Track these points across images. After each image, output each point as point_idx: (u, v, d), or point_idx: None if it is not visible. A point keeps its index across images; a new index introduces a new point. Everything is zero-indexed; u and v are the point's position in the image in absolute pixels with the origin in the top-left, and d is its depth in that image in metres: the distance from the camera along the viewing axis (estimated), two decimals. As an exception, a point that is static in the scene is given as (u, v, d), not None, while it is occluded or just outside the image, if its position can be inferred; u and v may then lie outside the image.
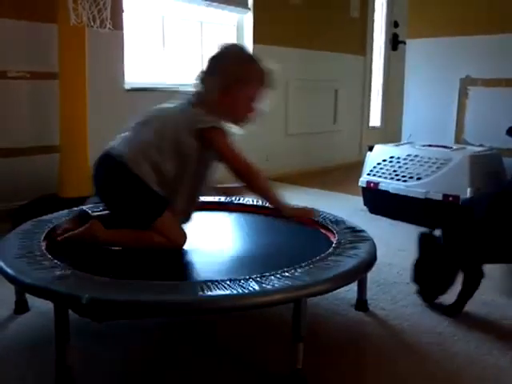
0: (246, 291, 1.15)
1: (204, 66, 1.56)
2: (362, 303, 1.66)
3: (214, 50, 1.57)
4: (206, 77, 1.54)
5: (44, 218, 1.71)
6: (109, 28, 2.37)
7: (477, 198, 1.77)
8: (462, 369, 1.35)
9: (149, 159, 1.44)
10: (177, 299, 1.13)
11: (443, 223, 1.70)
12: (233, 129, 1.55)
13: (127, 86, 2.97)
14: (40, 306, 1.53)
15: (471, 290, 1.62)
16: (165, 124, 1.51)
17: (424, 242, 1.70)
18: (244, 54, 1.59)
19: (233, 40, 3.66)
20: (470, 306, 1.70)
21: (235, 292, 1.15)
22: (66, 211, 1.81)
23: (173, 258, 1.53)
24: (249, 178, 1.48)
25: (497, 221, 1.56)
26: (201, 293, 1.13)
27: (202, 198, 1.68)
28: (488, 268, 1.65)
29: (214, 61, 1.55)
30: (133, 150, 1.46)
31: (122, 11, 2.87)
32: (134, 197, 1.45)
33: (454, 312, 1.63)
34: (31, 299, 1.55)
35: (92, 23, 2.33)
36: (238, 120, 1.55)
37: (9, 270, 1.25)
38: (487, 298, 1.79)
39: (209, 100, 1.51)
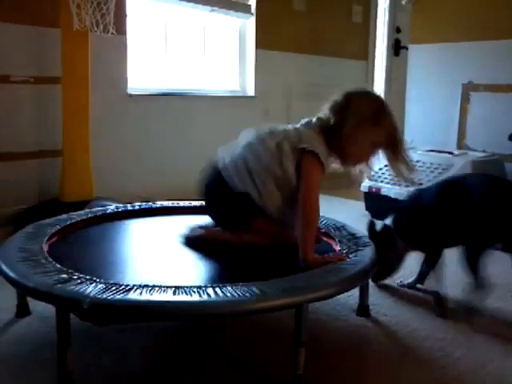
0: (248, 296, 1.15)
1: (339, 98, 1.55)
2: (363, 308, 1.65)
3: (359, 91, 1.61)
4: (339, 108, 1.53)
5: (46, 221, 1.71)
6: (112, 33, 2.38)
7: (426, 188, 1.86)
8: (464, 375, 1.34)
9: (250, 177, 1.51)
10: (179, 304, 1.13)
11: (394, 210, 1.84)
12: (334, 165, 1.56)
13: (130, 91, 2.98)
14: (41, 310, 1.53)
15: (428, 266, 1.81)
16: (274, 136, 1.53)
17: (370, 228, 1.81)
18: (385, 103, 1.59)
19: (235, 45, 3.67)
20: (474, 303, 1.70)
21: (237, 297, 1.15)
22: (67, 215, 1.81)
23: (176, 262, 1.53)
24: (304, 216, 1.44)
25: (445, 208, 1.67)
26: (202, 297, 1.13)
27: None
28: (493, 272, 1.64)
29: (353, 96, 1.56)
30: (235, 168, 1.53)
31: (125, 16, 2.88)
32: (235, 206, 1.54)
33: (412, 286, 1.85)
34: (32, 303, 1.55)
35: (95, 28, 2.34)
36: (351, 161, 1.57)
37: (11, 274, 1.26)
38: (489, 304, 1.78)
39: (333, 131, 1.51)
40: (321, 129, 1.53)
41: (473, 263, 1.61)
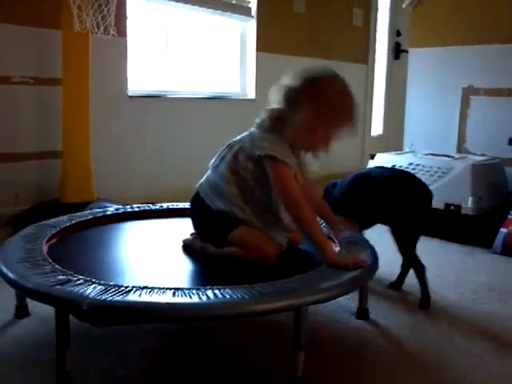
0: (247, 298, 1.15)
1: (293, 84, 1.45)
2: (363, 311, 1.65)
3: (307, 72, 1.46)
4: (292, 103, 1.44)
5: (46, 222, 1.71)
6: (112, 34, 2.38)
7: (337, 183, 2.00)
8: (463, 378, 1.34)
9: (218, 191, 1.53)
10: (178, 305, 1.13)
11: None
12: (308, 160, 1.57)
13: (130, 93, 2.98)
14: (40, 311, 1.53)
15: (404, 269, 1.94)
16: (231, 150, 1.53)
17: None
18: (338, 84, 1.50)
19: (236, 47, 3.68)
20: (470, 317, 1.70)
21: (236, 299, 1.15)
22: (67, 216, 1.81)
23: (175, 264, 1.53)
24: (295, 213, 1.43)
25: (351, 199, 1.87)
26: (201, 299, 1.13)
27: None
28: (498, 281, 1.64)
29: (306, 86, 1.44)
30: (208, 188, 1.56)
31: (126, 18, 2.88)
32: (210, 223, 1.55)
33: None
34: (32, 304, 1.55)
35: (96, 29, 2.34)
36: (312, 149, 1.53)
37: (10, 275, 1.26)
38: (487, 308, 1.79)
39: (287, 127, 1.45)
40: (272, 123, 1.46)
41: (402, 247, 1.80)
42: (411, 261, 1.82)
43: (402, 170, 2.17)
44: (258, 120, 1.52)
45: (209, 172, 1.60)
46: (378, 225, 1.90)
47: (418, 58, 3.59)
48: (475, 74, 3.30)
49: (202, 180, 1.61)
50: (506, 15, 3.15)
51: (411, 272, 1.88)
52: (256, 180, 1.48)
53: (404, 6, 3.58)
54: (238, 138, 1.55)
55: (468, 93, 3.31)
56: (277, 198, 1.49)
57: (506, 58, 3.18)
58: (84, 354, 1.35)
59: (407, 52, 3.93)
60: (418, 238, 1.80)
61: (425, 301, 1.78)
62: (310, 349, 1.22)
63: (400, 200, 1.76)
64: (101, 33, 2.35)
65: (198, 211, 1.59)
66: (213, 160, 1.60)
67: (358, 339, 1.54)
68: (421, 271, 1.79)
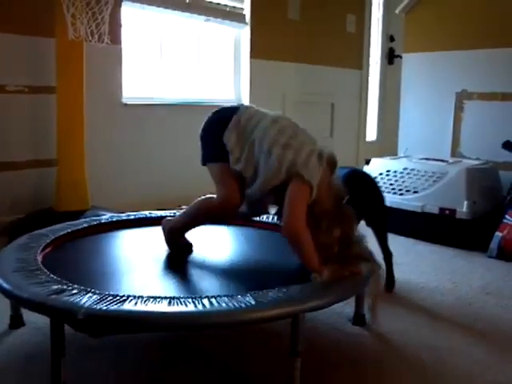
0: (243, 306, 1.15)
1: None
2: (359, 317, 1.65)
3: None
4: None
5: (40, 231, 1.70)
6: (107, 42, 2.38)
7: None
8: (461, 383, 1.34)
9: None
10: (173, 314, 1.12)
11: None
12: None
13: (125, 101, 2.98)
14: (35, 321, 1.52)
15: None
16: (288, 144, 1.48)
17: None
18: None
19: (230, 54, 3.68)
20: (467, 321, 1.71)
21: (232, 307, 1.14)
22: (62, 225, 1.81)
23: (171, 273, 1.53)
24: (294, 241, 1.39)
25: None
26: (197, 308, 1.13)
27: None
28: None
29: None
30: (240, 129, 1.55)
31: (120, 26, 2.88)
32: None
33: None
34: (26, 314, 1.54)
35: (90, 38, 2.34)
36: None
37: (5, 285, 1.25)
38: (484, 312, 1.79)
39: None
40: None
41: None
42: (383, 249, 1.95)
43: (357, 170, 2.20)
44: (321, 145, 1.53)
45: (256, 115, 1.57)
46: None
47: (412, 63, 3.61)
48: (469, 79, 3.31)
49: (244, 112, 1.58)
50: (498, 20, 3.17)
51: (406, 277, 1.89)
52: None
53: (397, 11, 3.60)
54: (300, 138, 1.50)
55: (462, 97, 3.33)
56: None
57: (498, 62, 3.19)
58: (79, 363, 1.34)
59: (401, 57, 3.95)
60: (381, 229, 1.96)
61: (390, 283, 1.95)
62: (306, 356, 1.22)
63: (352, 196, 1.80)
64: (95, 41, 2.35)
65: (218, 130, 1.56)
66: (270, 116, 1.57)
67: (355, 345, 1.54)
68: (389, 257, 1.95)
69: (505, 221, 2.45)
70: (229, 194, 1.52)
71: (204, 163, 1.60)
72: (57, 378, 1.15)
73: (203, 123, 1.63)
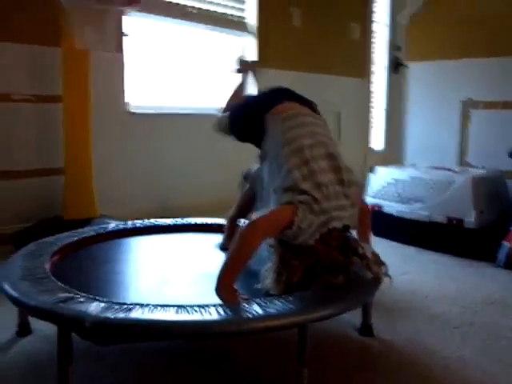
0: (250, 316, 1.14)
1: None
2: (367, 327, 1.64)
3: None
4: None
5: (48, 239, 1.71)
6: (112, 51, 2.40)
7: None
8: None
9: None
10: (180, 323, 1.12)
11: None
12: None
13: (131, 109, 2.99)
14: (42, 329, 1.52)
15: None
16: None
17: None
18: None
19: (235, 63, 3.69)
20: (473, 331, 1.69)
21: (239, 316, 1.14)
22: (69, 233, 1.81)
23: (178, 281, 1.53)
24: (240, 236, 1.34)
25: None
26: (204, 317, 1.13)
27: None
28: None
29: None
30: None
31: (126, 35, 2.90)
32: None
33: None
34: (34, 322, 1.54)
35: (95, 47, 2.35)
36: None
37: (13, 292, 1.25)
38: (490, 322, 1.78)
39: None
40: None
41: None
42: None
43: None
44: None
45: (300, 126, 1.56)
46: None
47: (417, 72, 3.62)
48: (474, 88, 3.32)
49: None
50: (503, 29, 3.17)
51: (412, 286, 1.87)
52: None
53: (402, 20, 3.61)
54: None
55: (467, 106, 3.33)
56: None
57: (504, 71, 3.20)
58: (86, 371, 1.34)
59: (406, 66, 3.96)
60: None
61: None
62: (314, 365, 1.21)
63: None
64: (100, 50, 2.37)
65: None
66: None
67: (363, 355, 1.53)
68: None
69: (512, 230, 2.43)
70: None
71: None
72: (64, 386, 1.15)
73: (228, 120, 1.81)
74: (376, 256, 1.41)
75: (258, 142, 1.63)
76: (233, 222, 1.83)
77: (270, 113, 1.61)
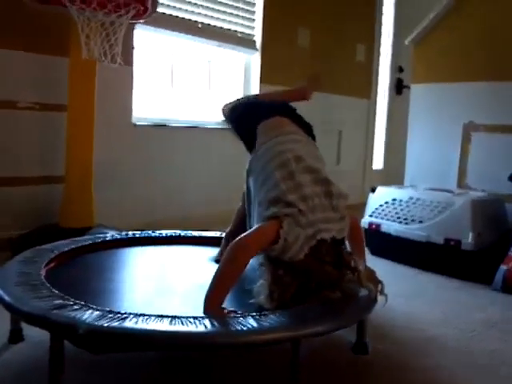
0: (245, 329, 1.14)
1: None
2: (361, 345, 1.63)
3: None
4: None
5: (44, 246, 1.71)
6: (119, 63, 2.42)
7: None
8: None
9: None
10: (174, 333, 1.12)
11: None
12: None
13: (135, 121, 3.01)
14: (35, 336, 1.51)
15: None
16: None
17: None
18: None
19: (240, 79, 3.73)
20: (470, 354, 1.68)
21: (233, 329, 1.14)
22: (66, 241, 1.81)
23: (173, 292, 1.52)
24: (225, 257, 1.34)
25: None
26: (198, 328, 1.12)
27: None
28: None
29: None
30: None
31: (133, 48, 2.93)
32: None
33: None
34: (26, 328, 1.53)
35: (103, 58, 2.38)
36: None
37: (6, 298, 1.25)
38: (486, 345, 1.76)
39: None
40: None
41: None
42: None
43: None
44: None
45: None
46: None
47: (420, 94, 3.64)
48: (476, 111, 3.33)
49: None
50: (507, 53, 3.20)
51: (408, 307, 1.86)
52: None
53: (406, 42, 3.65)
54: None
55: (469, 129, 3.34)
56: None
57: (506, 94, 3.21)
58: (78, 380, 1.33)
59: (409, 88, 3.98)
60: None
61: None
62: (307, 382, 1.21)
63: None
64: (108, 61, 2.39)
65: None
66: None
67: (356, 374, 1.52)
68: None
69: (510, 254, 2.43)
70: None
71: None
72: (54, 394, 1.14)
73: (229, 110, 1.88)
74: (371, 272, 1.40)
75: (246, 143, 1.71)
76: (229, 238, 1.81)
77: (263, 124, 1.65)
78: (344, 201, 1.46)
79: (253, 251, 1.34)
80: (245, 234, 1.37)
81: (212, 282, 1.31)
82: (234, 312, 1.26)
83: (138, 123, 3.02)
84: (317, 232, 1.33)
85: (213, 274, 1.54)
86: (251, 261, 1.35)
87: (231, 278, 1.32)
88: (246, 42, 3.64)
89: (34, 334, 1.50)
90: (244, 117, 1.79)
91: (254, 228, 1.40)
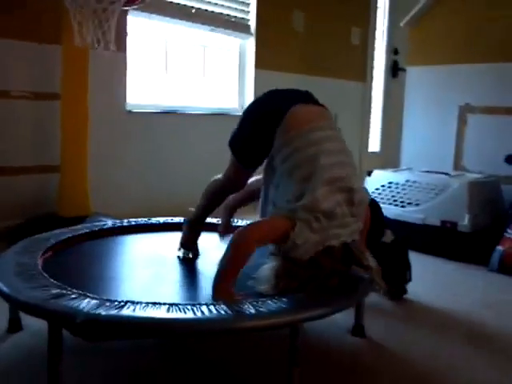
0: (243, 314, 1.14)
1: None
2: (359, 328, 1.64)
3: None
4: None
5: (41, 236, 1.70)
6: (112, 50, 2.40)
7: None
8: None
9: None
10: (172, 321, 1.12)
11: None
12: None
13: (129, 108, 2.99)
14: (33, 325, 1.52)
15: None
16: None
17: None
18: None
19: (235, 64, 3.70)
20: (467, 334, 1.70)
21: (231, 315, 1.14)
22: (63, 230, 1.81)
23: (170, 280, 1.52)
24: (232, 244, 1.32)
25: None
26: (196, 315, 1.12)
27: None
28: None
29: None
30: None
31: (126, 34, 2.90)
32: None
33: None
34: (25, 317, 1.54)
35: (96, 45, 2.35)
36: None
37: (3, 288, 1.24)
38: (484, 326, 1.78)
39: None
40: None
41: None
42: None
43: None
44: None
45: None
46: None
47: (416, 76, 3.63)
48: (472, 93, 3.32)
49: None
50: (503, 34, 3.18)
51: (420, 292, 1.87)
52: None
53: (402, 24, 3.62)
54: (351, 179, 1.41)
55: (465, 111, 3.34)
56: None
57: (502, 76, 3.21)
58: (76, 365, 1.33)
59: (405, 70, 3.97)
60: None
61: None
62: (306, 365, 1.21)
63: None
64: (101, 48, 2.37)
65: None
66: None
67: (355, 356, 1.53)
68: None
69: (506, 235, 2.44)
70: (226, 180, 1.60)
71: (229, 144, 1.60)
72: (54, 382, 1.15)
73: (254, 102, 1.70)
74: (380, 269, 1.38)
75: (260, 156, 1.53)
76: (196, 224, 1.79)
77: (282, 128, 1.45)
78: (364, 206, 1.42)
79: (258, 243, 1.33)
80: (253, 224, 1.37)
81: (220, 268, 1.31)
82: (245, 295, 1.26)
83: (132, 110, 3.00)
84: (327, 238, 1.31)
85: (212, 261, 1.55)
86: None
87: (237, 265, 1.31)
88: (240, 26, 3.60)
89: (33, 323, 1.51)
90: (257, 129, 1.54)
91: (264, 220, 1.41)
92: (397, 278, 1.97)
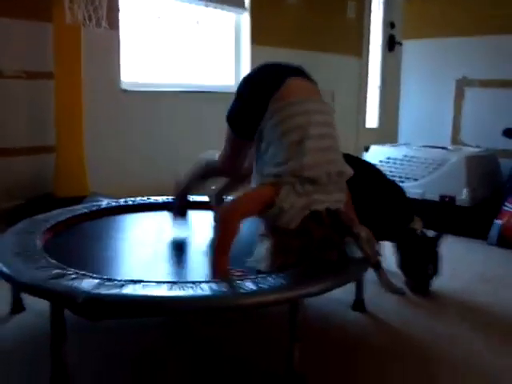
0: (243, 291, 1.15)
1: None
2: (359, 303, 1.65)
3: None
4: None
5: (39, 217, 1.70)
6: (104, 27, 2.36)
7: None
8: (458, 369, 1.35)
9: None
10: (173, 299, 1.12)
11: None
12: None
13: (123, 86, 2.96)
14: (36, 305, 1.52)
15: None
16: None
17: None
18: None
19: (230, 40, 3.66)
20: (466, 308, 1.71)
21: (232, 292, 1.14)
22: (61, 210, 1.80)
23: (170, 258, 1.53)
24: (221, 225, 1.38)
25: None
26: (197, 292, 1.13)
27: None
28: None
29: None
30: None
31: (118, 10, 2.85)
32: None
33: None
34: (27, 298, 1.54)
35: (88, 22, 2.31)
36: None
37: (5, 269, 1.25)
38: (483, 299, 1.79)
39: None
40: None
41: None
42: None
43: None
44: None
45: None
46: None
47: (412, 50, 3.59)
48: (469, 66, 3.30)
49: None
50: (499, 7, 3.15)
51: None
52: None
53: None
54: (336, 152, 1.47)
55: (462, 84, 3.32)
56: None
57: (500, 49, 3.18)
58: (79, 344, 1.34)
59: (401, 44, 3.93)
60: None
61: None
62: (306, 341, 1.22)
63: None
64: (93, 25, 2.33)
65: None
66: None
67: (355, 331, 1.54)
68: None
69: (504, 208, 2.45)
70: (221, 160, 1.62)
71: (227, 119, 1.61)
72: (58, 361, 1.16)
73: (248, 75, 1.68)
74: (369, 233, 1.39)
75: (253, 124, 1.52)
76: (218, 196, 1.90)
77: (276, 97, 1.47)
78: (346, 178, 1.45)
79: (245, 214, 1.36)
80: (238, 197, 1.39)
81: (213, 248, 1.33)
82: (242, 271, 1.28)
83: (126, 88, 2.97)
84: (311, 203, 1.33)
85: (209, 238, 1.55)
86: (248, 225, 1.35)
87: (228, 240, 1.33)
88: (234, 0, 3.55)
89: (35, 304, 1.51)
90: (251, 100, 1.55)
91: (248, 191, 1.42)
92: (418, 270, 1.86)
